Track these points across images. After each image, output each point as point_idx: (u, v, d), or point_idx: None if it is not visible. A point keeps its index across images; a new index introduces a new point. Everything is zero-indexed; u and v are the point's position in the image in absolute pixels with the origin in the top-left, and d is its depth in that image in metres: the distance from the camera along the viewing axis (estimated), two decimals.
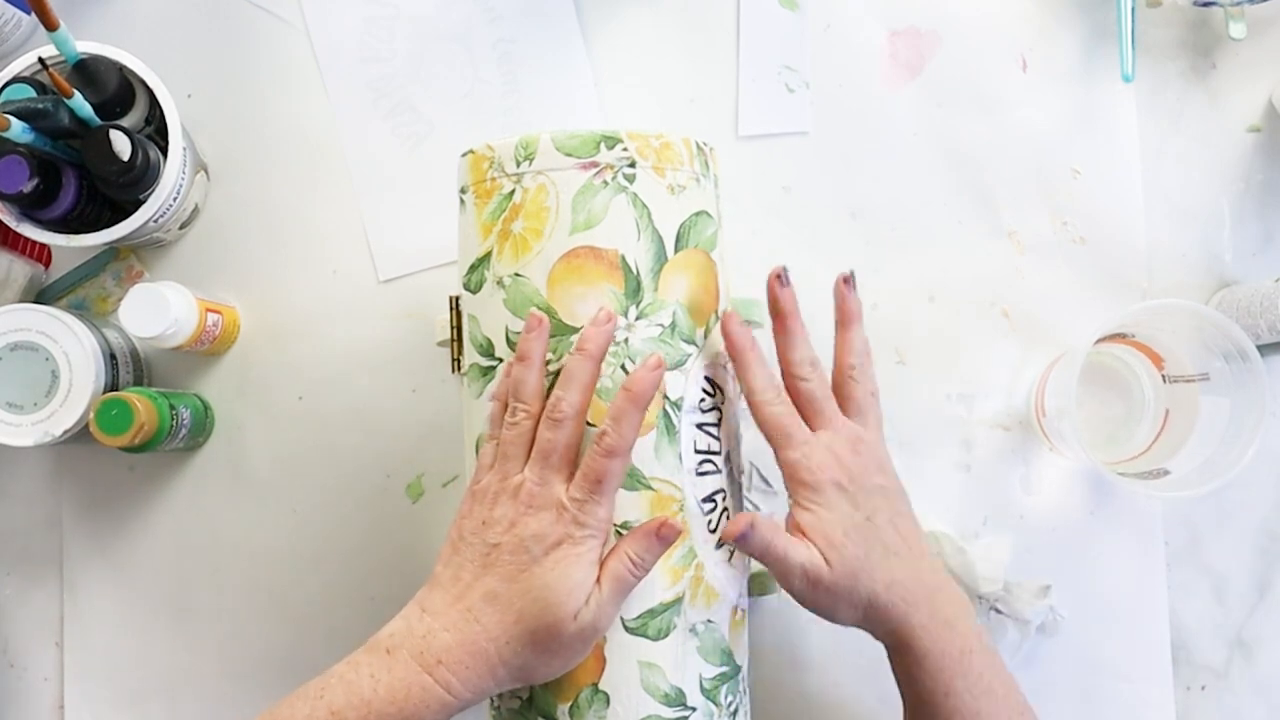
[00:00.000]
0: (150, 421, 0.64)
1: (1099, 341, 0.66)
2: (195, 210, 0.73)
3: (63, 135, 0.63)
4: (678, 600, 0.55)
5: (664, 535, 0.53)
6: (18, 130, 0.60)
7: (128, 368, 0.69)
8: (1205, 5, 0.73)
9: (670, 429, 0.56)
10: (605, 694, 0.54)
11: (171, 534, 0.72)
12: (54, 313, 0.65)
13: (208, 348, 0.70)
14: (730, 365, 0.58)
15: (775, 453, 0.56)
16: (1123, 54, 0.71)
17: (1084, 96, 0.75)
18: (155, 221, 0.67)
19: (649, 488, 0.55)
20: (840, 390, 0.59)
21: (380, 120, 0.74)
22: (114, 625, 0.72)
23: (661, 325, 0.56)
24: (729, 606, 0.57)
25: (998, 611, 0.70)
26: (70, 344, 0.65)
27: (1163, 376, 0.71)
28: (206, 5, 0.74)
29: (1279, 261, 0.74)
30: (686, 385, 0.56)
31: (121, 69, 0.66)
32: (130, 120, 0.66)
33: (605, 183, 0.56)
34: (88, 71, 0.64)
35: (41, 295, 0.73)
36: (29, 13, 0.72)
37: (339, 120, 0.74)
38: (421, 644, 0.52)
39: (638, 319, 0.55)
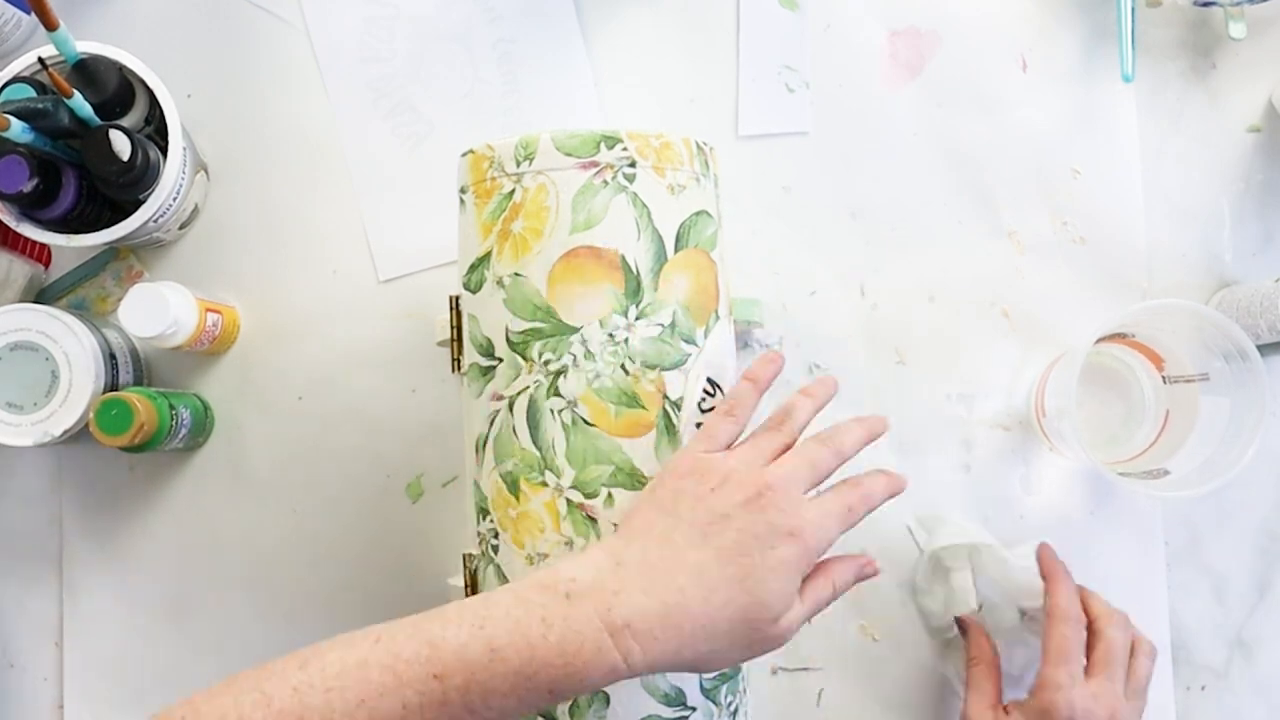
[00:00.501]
0: (150, 421, 0.64)
1: (1099, 341, 0.66)
2: (195, 210, 0.73)
3: (63, 135, 0.63)
4: None
5: (864, 573, 0.54)
6: (18, 130, 0.60)
7: (128, 368, 0.69)
8: (1205, 5, 0.73)
9: (670, 429, 0.56)
10: (605, 694, 0.54)
11: (171, 534, 0.72)
12: (54, 313, 0.65)
13: (208, 348, 0.70)
14: (727, 362, 0.59)
15: (1041, 666, 0.61)
16: (1123, 54, 0.71)
17: (1084, 96, 0.75)
18: (155, 221, 0.67)
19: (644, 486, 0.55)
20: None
21: (380, 120, 0.74)
22: (114, 625, 0.72)
23: (661, 325, 0.56)
24: None
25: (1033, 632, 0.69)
26: (70, 344, 0.65)
27: (1163, 376, 0.71)
28: (206, 5, 0.74)
29: (1279, 261, 0.74)
30: (687, 385, 0.56)
31: (121, 69, 0.66)
32: (130, 120, 0.66)
33: (605, 182, 0.56)
34: (88, 71, 0.64)
35: (41, 295, 0.73)
36: (29, 13, 0.72)
37: (339, 120, 0.74)
38: (611, 600, 0.47)
39: (638, 319, 0.55)
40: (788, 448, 0.54)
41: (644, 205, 0.56)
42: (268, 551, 0.72)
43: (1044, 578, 0.66)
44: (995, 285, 0.74)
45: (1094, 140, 0.74)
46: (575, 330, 0.55)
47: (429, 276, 0.73)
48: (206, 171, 0.73)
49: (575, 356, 0.55)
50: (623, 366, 0.55)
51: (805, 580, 0.51)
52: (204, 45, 0.74)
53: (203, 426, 0.71)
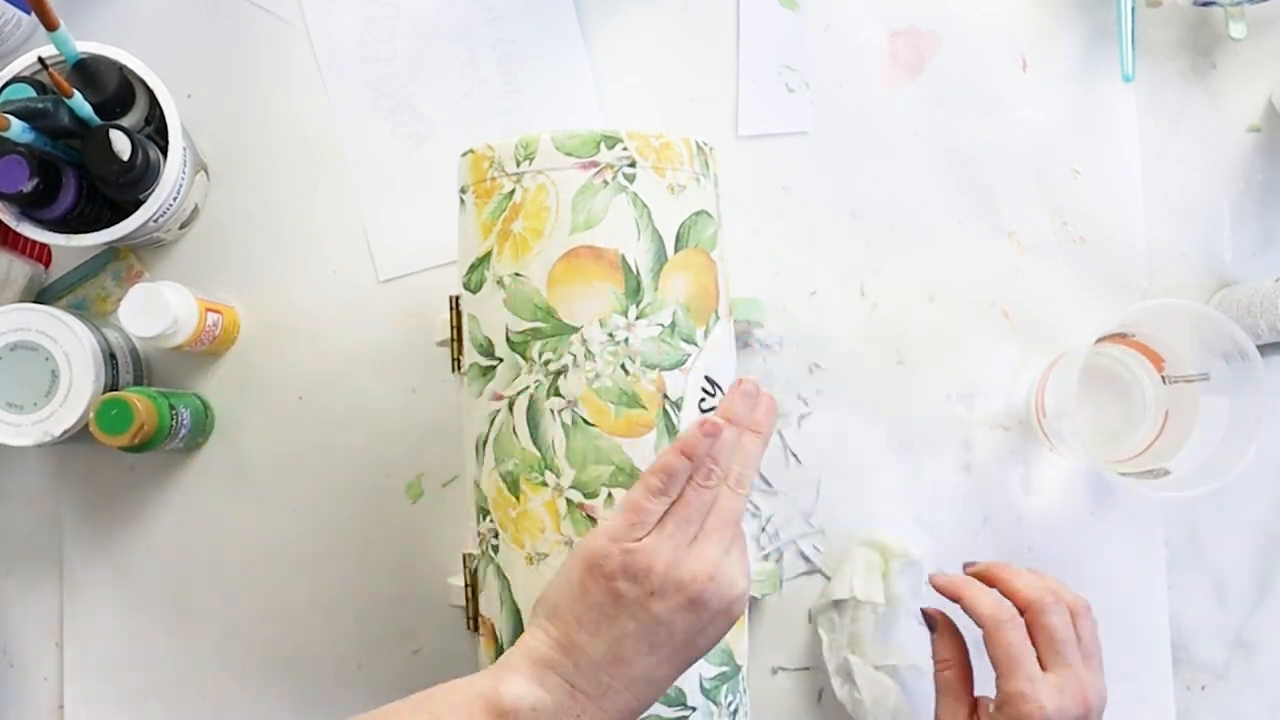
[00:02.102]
0: (150, 421, 0.64)
1: (1099, 341, 0.66)
2: (195, 210, 0.73)
3: (63, 135, 0.63)
4: None
5: (761, 428, 0.54)
6: (18, 130, 0.60)
7: (128, 368, 0.69)
8: (1205, 5, 0.73)
9: (670, 428, 0.56)
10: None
11: (171, 534, 0.72)
12: (54, 313, 0.65)
13: (208, 348, 0.70)
14: (727, 361, 0.59)
15: (998, 680, 0.58)
16: (1123, 54, 0.71)
17: (1084, 96, 0.75)
18: (155, 221, 0.67)
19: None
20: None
21: (380, 120, 0.74)
22: (114, 625, 0.72)
23: (661, 325, 0.56)
24: None
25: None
26: (70, 344, 0.65)
27: (1163, 377, 0.71)
28: (206, 5, 0.74)
29: (1279, 261, 0.74)
30: (686, 385, 0.56)
31: (121, 69, 0.66)
32: (130, 120, 0.66)
33: (605, 182, 0.56)
34: (88, 71, 0.64)
35: (41, 295, 0.73)
36: (29, 13, 0.72)
37: (339, 120, 0.74)
38: None
39: (638, 319, 0.55)
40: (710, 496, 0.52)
41: (644, 205, 0.56)
42: (268, 551, 0.72)
43: (953, 599, 0.62)
44: (995, 285, 0.74)
45: (1094, 140, 0.74)
46: (575, 330, 0.55)
47: (429, 276, 0.73)
48: (206, 171, 0.73)
49: (575, 356, 0.55)
50: (623, 366, 0.55)
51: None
52: (204, 45, 0.74)
53: (203, 426, 0.71)
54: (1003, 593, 0.61)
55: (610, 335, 0.55)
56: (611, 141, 0.56)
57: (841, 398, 0.73)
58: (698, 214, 0.58)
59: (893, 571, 0.70)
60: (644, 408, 0.55)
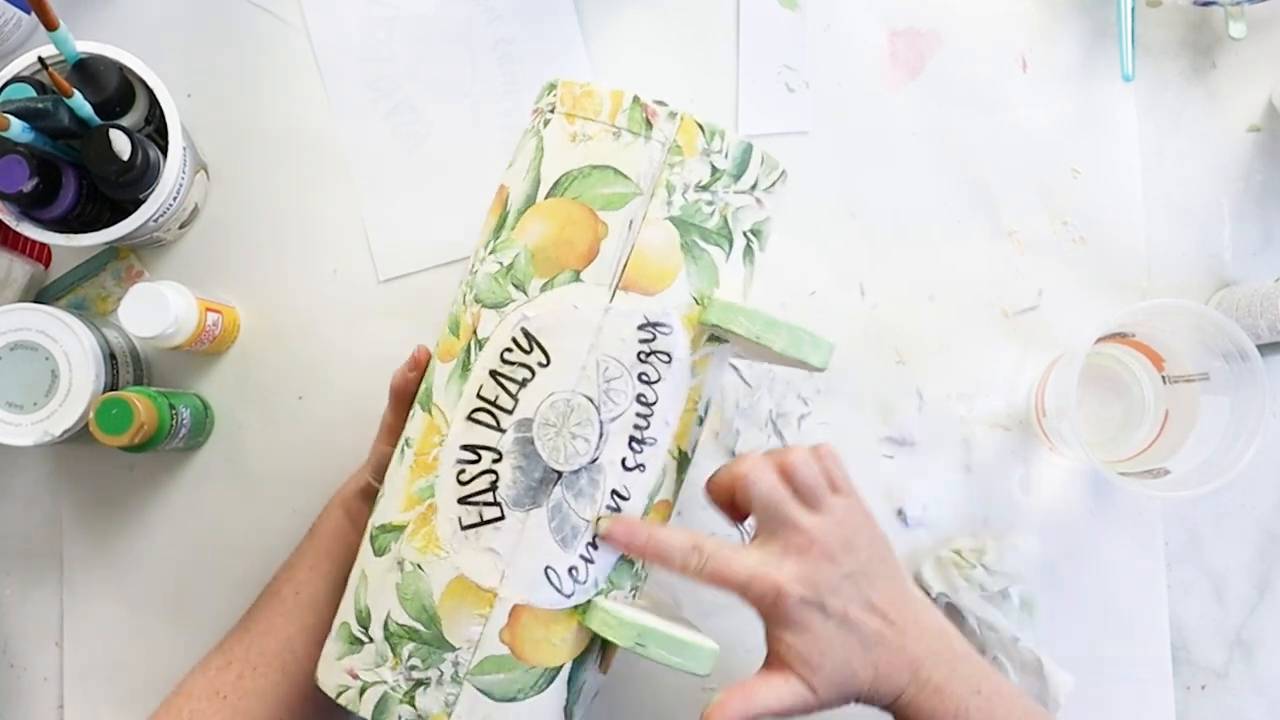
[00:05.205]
0: (150, 421, 0.64)
1: (1099, 341, 0.66)
2: (195, 210, 0.73)
3: (63, 135, 0.63)
4: (401, 528, 0.54)
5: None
6: (18, 130, 0.60)
7: (128, 368, 0.69)
8: (1205, 5, 0.73)
9: (465, 365, 0.54)
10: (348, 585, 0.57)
11: (171, 534, 0.72)
12: (54, 312, 0.65)
13: (208, 347, 0.70)
14: (572, 327, 0.54)
15: (757, 529, 0.56)
16: (1123, 54, 0.71)
17: (1084, 96, 0.75)
18: (155, 221, 0.67)
19: (429, 411, 0.55)
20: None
21: (380, 120, 0.74)
22: (114, 625, 0.72)
23: (501, 264, 0.54)
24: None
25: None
26: (70, 344, 0.65)
27: (1163, 376, 0.71)
28: (206, 5, 0.74)
29: (1279, 261, 0.74)
30: (498, 329, 0.53)
31: (121, 69, 0.66)
32: (130, 120, 0.66)
33: (534, 126, 0.56)
34: (88, 71, 0.64)
35: (41, 295, 0.73)
36: (29, 12, 0.72)
37: (339, 120, 0.74)
38: None
39: (489, 254, 0.55)
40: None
41: (542, 149, 0.55)
42: (268, 551, 0.72)
43: (641, 557, 0.56)
44: (995, 285, 0.74)
45: (1094, 140, 0.74)
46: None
47: (429, 276, 0.73)
48: (206, 171, 0.73)
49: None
50: (464, 295, 0.55)
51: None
52: (204, 45, 0.74)
53: (203, 426, 0.71)
54: (717, 502, 0.59)
55: (472, 265, 0.56)
56: (550, 88, 0.56)
57: (841, 398, 0.73)
58: (596, 168, 0.53)
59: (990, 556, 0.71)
60: (458, 337, 0.55)
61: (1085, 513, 0.73)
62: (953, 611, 0.71)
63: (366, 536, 0.57)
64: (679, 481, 0.57)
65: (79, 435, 0.66)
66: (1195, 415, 0.68)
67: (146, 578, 0.72)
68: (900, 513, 0.72)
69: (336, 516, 0.65)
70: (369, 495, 0.62)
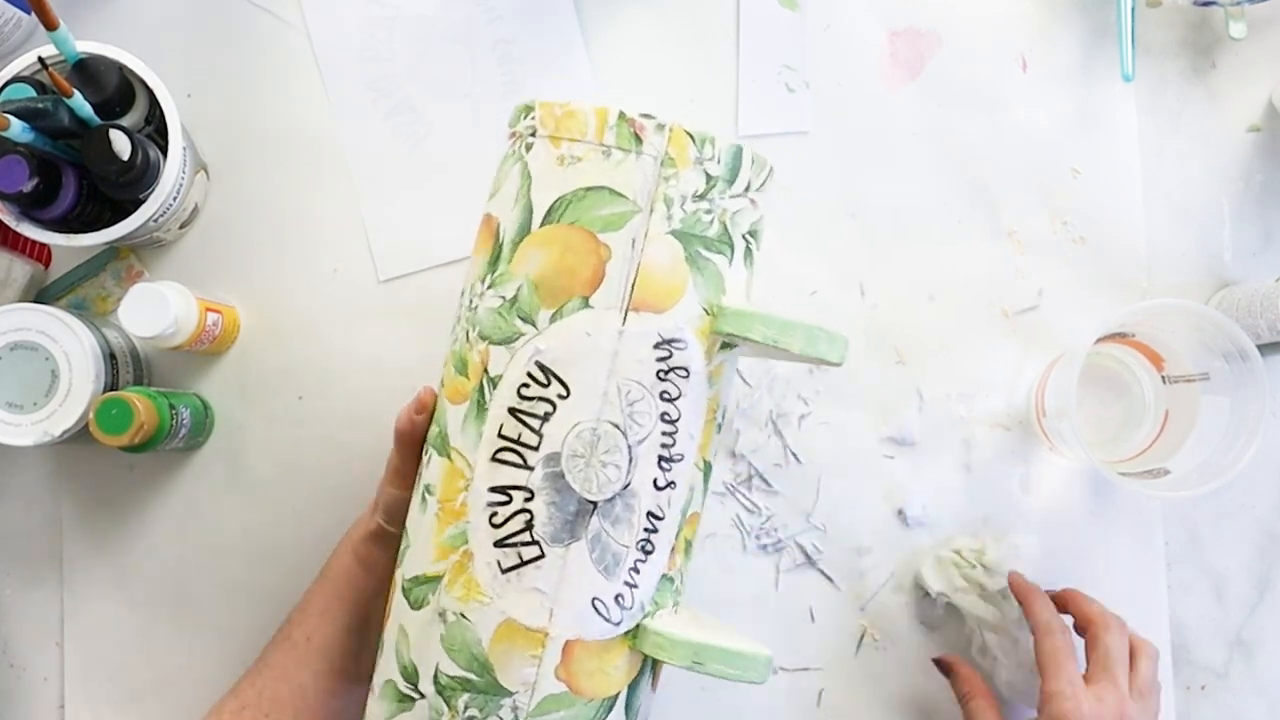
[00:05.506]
0: (150, 421, 0.64)
1: (1099, 341, 0.66)
2: (195, 210, 0.73)
3: (63, 135, 0.63)
4: (436, 578, 0.53)
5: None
6: (18, 130, 0.60)
7: (128, 368, 0.69)
8: (1205, 5, 0.73)
9: (480, 405, 0.52)
10: (384, 642, 0.55)
11: (171, 534, 0.72)
12: (54, 312, 0.65)
13: (208, 348, 0.70)
14: (582, 356, 0.53)
15: (1041, 684, 0.61)
16: (1123, 54, 0.72)
17: (1084, 96, 0.75)
18: (155, 221, 0.67)
19: (448, 456, 0.53)
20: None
21: (380, 120, 0.74)
22: (114, 625, 0.72)
23: (503, 298, 0.52)
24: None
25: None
26: (70, 344, 0.65)
27: (1163, 376, 0.71)
28: (206, 5, 0.74)
29: (1279, 261, 0.74)
30: (510, 365, 0.52)
31: (121, 69, 0.66)
32: (130, 120, 0.66)
33: (515, 152, 0.54)
34: (88, 71, 0.64)
35: (41, 295, 0.73)
36: (29, 12, 0.72)
37: (339, 120, 0.74)
38: None
39: (488, 288, 0.53)
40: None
41: (529, 176, 0.53)
42: (268, 551, 0.72)
43: (1019, 601, 0.67)
44: (995, 285, 0.74)
45: (1094, 140, 0.74)
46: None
47: (429, 276, 0.73)
48: (206, 171, 0.73)
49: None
50: (466, 333, 0.53)
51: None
52: (204, 45, 0.74)
53: (203, 426, 0.71)
54: (1072, 611, 0.65)
55: (469, 301, 0.54)
56: (527, 110, 0.54)
57: (841, 398, 0.73)
58: (590, 190, 0.52)
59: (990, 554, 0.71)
60: (467, 377, 0.53)
61: (1085, 513, 0.73)
62: (953, 611, 0.71)
63: (398, 590, 0.55)
64: (705, 492, 0.57)
65: (79, 435, 0.66)
66: (1195, 415, 0.68)
67: (146, 578, 0.72)
68: (900, 513, 0.72)
69: (347, 561, 0.63)
70: (379, 538, 0.61)
